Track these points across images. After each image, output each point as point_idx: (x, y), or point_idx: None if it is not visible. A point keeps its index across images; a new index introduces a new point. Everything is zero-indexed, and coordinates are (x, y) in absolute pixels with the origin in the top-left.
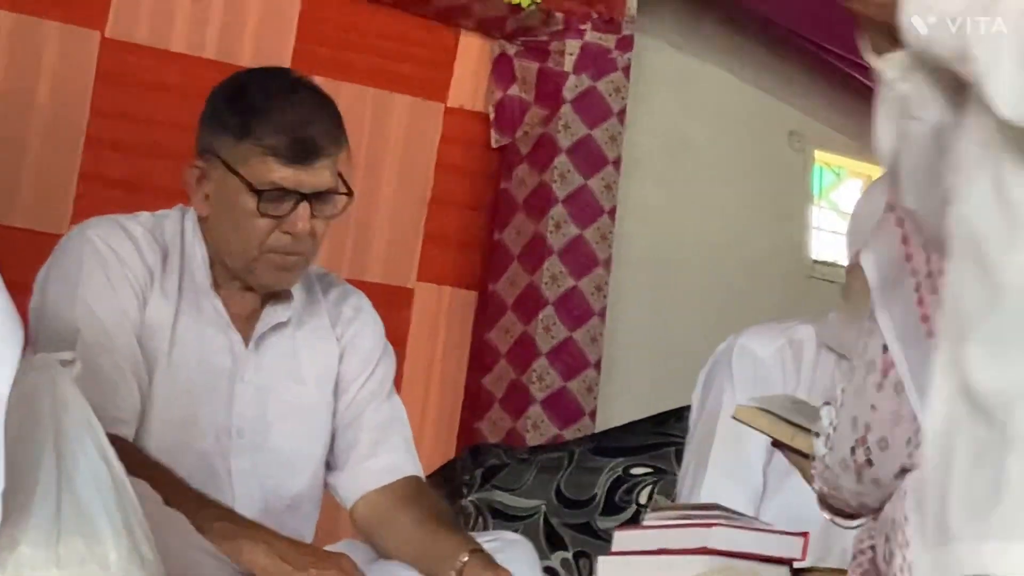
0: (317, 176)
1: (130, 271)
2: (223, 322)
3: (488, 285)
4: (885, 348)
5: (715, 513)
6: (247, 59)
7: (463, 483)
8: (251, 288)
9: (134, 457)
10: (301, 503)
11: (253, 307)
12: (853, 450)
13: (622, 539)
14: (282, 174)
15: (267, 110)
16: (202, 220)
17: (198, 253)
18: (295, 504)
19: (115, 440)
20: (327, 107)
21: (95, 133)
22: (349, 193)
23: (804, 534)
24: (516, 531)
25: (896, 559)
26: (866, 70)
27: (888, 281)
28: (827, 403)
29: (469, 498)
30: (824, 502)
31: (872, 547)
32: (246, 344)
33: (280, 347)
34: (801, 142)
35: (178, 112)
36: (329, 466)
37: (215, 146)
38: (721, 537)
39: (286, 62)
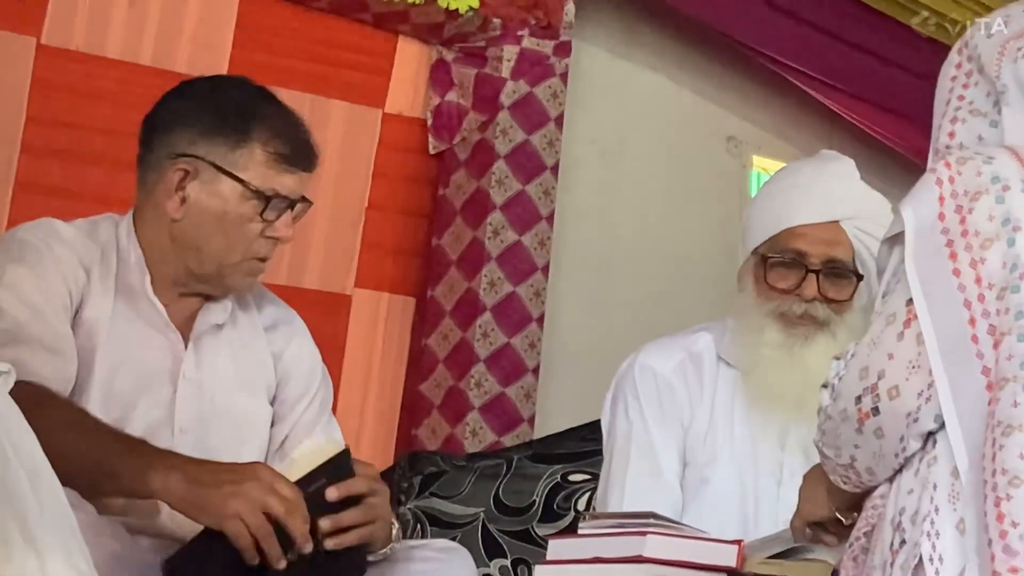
0: (307, 183)
1: (64, 267)
2: (162, 322)
3: (426, 291)
4: (909, 301)
5: (650, 521)
6: (184, 66)
7: (401, 490)
8: (193, 294)
9: (42, 406)
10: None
11: (190, 312)
12: (859, 399)
13: (557, 547)
14: (285, 180)
15: (263, 115)
16: (172, 223)
17: (132, 256)
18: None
19: (24, 387)
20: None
21: (31, 140)
22: (310, 202)
23: (738, 542)
24: (454, 538)
25: (923, 547)
26: (802, 75)
27: (922, 235)
28: (836, 357)
29: (407, 506)
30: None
31: (866, 534)
32: (185, 345)
33: (217, 349)
34: (739, 147)
35: (114, 119)
36: None
37: (201, 149)
38: (656, 545)
39: (223, 68)
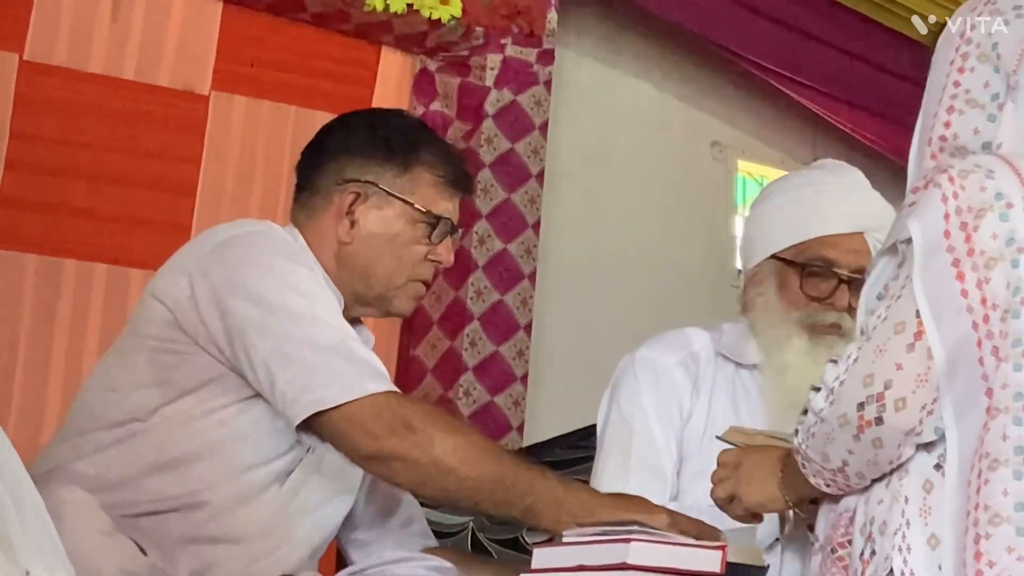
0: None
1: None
2: None
3: None
4: (919, 312)
5: (634, 528)
6: (167, 80)
7: None
8: (351, 319)
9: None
10: (325, 543)
11: None
12: (861, 406)
13: (542, 556)
14: (449, 203)
15: (427, 142)
16: (340, 247)
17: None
18: (325, 542)
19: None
20: None
21: (15, 156)
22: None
23: (722, 547)
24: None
25: (895, 561)
26: (786, 79)
27: (929, 252)
28: (832, 360)
29: None
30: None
31: (850, 541)
32: None
33: None
34: (723, 152)
35: (98, 133)
36: (358, 528)
37: (370, 175)
38: (640, 552)
39: (207, 82)
